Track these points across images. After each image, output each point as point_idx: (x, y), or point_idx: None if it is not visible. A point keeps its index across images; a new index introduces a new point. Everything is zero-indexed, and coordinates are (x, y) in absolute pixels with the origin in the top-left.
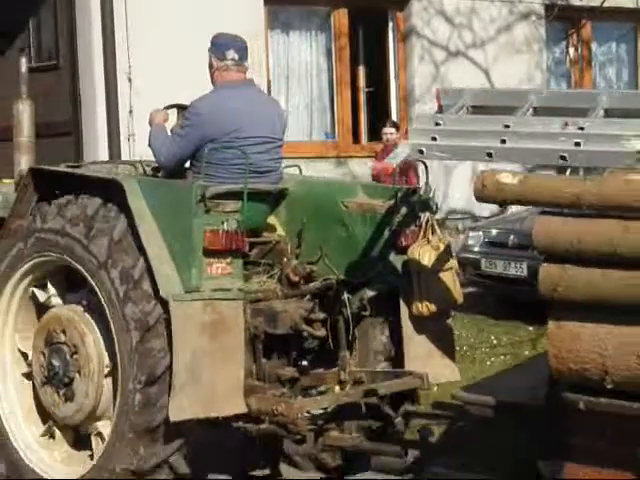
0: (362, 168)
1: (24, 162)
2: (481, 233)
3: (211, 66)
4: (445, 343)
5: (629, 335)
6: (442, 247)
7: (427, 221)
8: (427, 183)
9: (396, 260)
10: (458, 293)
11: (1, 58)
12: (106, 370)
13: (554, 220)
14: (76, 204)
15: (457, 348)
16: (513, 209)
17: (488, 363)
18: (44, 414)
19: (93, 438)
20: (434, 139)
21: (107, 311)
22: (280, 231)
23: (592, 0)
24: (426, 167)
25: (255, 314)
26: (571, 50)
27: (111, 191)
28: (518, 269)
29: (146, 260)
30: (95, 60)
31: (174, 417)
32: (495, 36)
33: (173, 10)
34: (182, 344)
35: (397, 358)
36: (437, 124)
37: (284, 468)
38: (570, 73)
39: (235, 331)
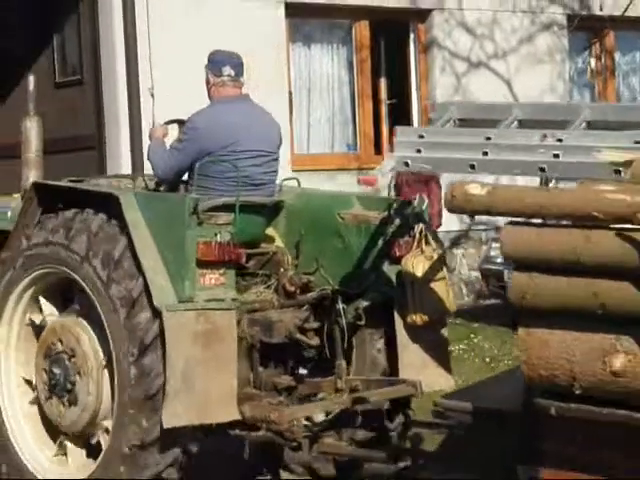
0: (384, 180)
1: (32, 177)
2: None
3: (208, 82)
4: (440, 352)
5: (595, 341)
6: (435, 257)
7: (421, 232)
8: (421, 195)
9: (390, 270)
10: (451, 303)
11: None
12: (103, 363)
13: (521, 230)
14: (56, 217)
15: (479, 359)
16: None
17: None
18: (54, 435)
19: (102, 437)
20: (419, 151)
21: (95, 299)
22: (278, 242)
23: (614, 9)
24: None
25: (251, 324)
26: (592, 60)
27: (110, 205)
28: None
29: (128, 245)
30: (118, 76)
31: (168, 423)
32: (517, 47)
33: (195, 25)
34: (175, 353)
35: (392, 367)
36: (421, 136)
37: (285, 476)
38: (593, 83)
39: (228, 340)
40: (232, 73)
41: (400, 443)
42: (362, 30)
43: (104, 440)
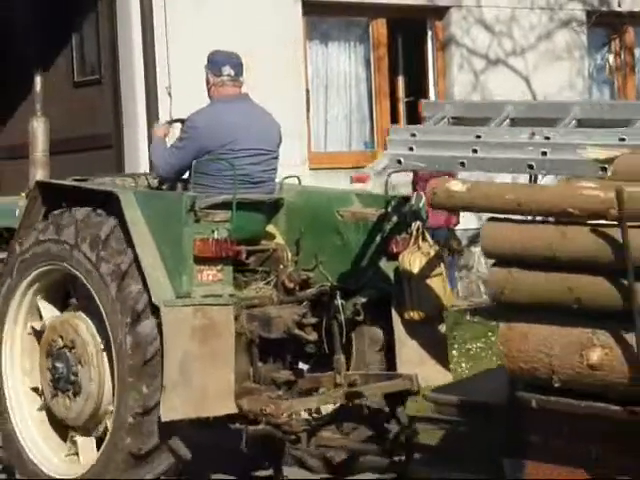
0: (401, 177)
1: (39, 177)
2: None
3: (208, 82)
4: (437, 348)
5: (573, 335)
6: (432, 254)
7: (418, 229)
8: (418, 192)
9: (388, 267)
10: (448, 298)
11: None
12: (101, 347)
13: (500, 226)
14: (46, 218)
15: (497, 357)
16: None
17: None
18: (64, 436)
19: (108, 422)
20: (411, 149)
21: (87, 282)
22: (279, 240)
23: (634, 5)
24: None
25: (250, 319)
26: (610, 57)
27: (111, 203)
28: None
29: (120, 223)
30: (136, 75)
31: (166, 417)
32: (535, 44)
33: (212, 24)
34: (173, 348)
35: (390, 363)
36: (413, 135)
37: (287, 469)
38: (612, 80)
39: (225, 335)
40: (232, 73)
41: (398, 437)
42: (379, 28)
43: (110, 424)
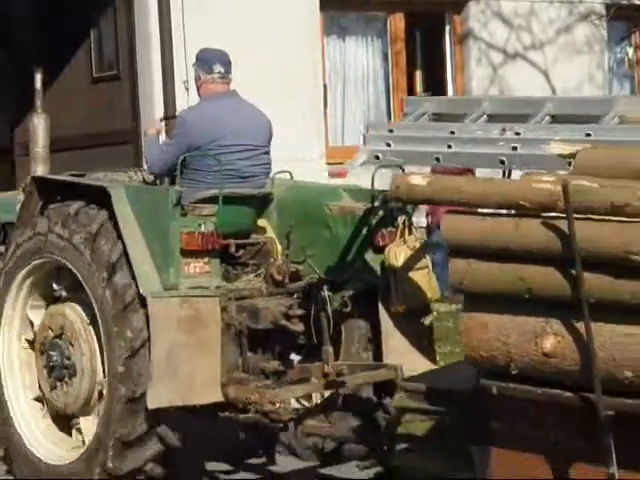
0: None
1: (39, 172)
2: None
3: (198, 79)
4: (423, 340)
5: (528, 324)
6: (417, 247)
7: (404, 222)
8: None
9: (375, 260)
10: (433, 291)
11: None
12: (87, 321)
13: (459, 218)
14: (40, 214)
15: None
16: None
17: None
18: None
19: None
20: (388, 145)
21: (77, 272)
22: (270, 233)
23: None
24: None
25: (239, 310)
26: (630, 50)
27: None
28: None
29: (111, 217)
30: (154, 70)
31: (152, 405)
32: (554, 37)
33: (229, 19)
34: (160, 338)
35: (377, 354)
36: (391, 131)
37: (279, 457)
38: (631, 74)
39: (212, 326)
40: (222, 70)
41: (385, 427)
42: (397, 22)
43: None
